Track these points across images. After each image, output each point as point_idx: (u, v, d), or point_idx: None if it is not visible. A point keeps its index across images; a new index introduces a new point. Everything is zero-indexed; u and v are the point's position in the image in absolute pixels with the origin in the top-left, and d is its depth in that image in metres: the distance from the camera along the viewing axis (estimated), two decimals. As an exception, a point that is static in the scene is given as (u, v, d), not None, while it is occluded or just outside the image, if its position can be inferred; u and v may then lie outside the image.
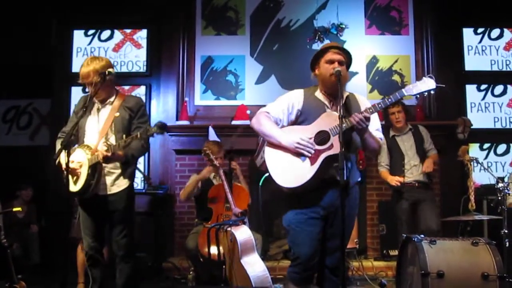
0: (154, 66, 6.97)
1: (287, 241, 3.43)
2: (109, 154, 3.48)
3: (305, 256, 3.21)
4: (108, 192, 3.66)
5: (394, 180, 5.21)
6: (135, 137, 3.42)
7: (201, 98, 6.87)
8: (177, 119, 6.69)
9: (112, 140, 3.65)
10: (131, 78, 6.95)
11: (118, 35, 7.05)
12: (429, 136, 5.46)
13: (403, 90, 3.10)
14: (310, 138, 3.17)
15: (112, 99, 3.76)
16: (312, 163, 3.14)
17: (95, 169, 3.56)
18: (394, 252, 5.66)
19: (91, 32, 7.04)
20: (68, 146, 3.38)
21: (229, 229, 4.21)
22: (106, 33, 7.06)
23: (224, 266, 4.29)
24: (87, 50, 7.01)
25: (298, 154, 3.17)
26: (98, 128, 3.69)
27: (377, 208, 6.61)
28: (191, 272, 5.16)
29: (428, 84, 3.09)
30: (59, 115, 6.67)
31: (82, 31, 7.03)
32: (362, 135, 3.20)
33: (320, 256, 3.29)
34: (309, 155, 3.14)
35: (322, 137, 3.17)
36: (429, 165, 5.21)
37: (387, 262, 6.00)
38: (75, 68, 6.83)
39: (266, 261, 5.53)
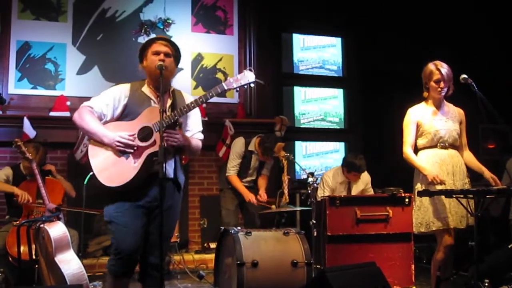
0: (-39, 49, 6.28)
1: (111, 236, 3.30)
2: None
3: (128, 250, 3.09)
4: None
5: (252, 199, 5.31)
6: None
7: (16, 86, 6.36)
8: (-13, 108, 6.12)
9: None
10: None
11: None
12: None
13: (223, 84, 3.12)
14: (133, 135, 3.08)
15: None
16: (135, 161, 3.06)
17: None
18: (215, 245, 5.82)
19: None
20: None
21: (42, 225, 3.97)
22: None
23: (36, 266, 4.04)
24: None
25: (121, 151, 3.08)
26: None
27: (198, 202, 6.75)
28: (0, 274, 4.80)
29: (248, 77, 3.13)
30: None
31: None
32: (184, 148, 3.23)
33: (142, 252, 3.22)
34: (131, 151, 3.07)
35: (145, 133, 3.09)
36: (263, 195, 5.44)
37: (208, 255, 6.15)
38: None
39: (85, 258, 5.36)
